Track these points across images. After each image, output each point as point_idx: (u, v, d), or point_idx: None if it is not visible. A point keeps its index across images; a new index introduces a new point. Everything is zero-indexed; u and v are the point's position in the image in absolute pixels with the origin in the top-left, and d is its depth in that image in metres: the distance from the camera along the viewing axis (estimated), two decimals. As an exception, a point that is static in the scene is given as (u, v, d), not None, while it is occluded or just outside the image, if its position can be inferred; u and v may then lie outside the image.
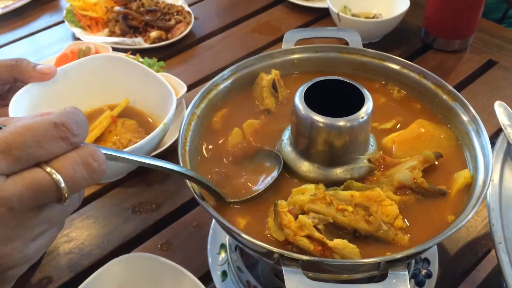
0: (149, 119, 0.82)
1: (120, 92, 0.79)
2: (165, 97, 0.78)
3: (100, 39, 1.51)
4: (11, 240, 0.44)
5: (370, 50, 0.90)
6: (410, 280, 0.87)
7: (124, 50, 1.42)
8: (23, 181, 0.43)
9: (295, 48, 0.93)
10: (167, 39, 1.53)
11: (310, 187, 0.71)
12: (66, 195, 0.45)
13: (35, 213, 0.45)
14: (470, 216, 0.64)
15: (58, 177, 0.44)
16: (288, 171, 0.77)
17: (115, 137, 0.83)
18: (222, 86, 0.87)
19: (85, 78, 0.82)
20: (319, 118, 0.70)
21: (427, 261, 0.89)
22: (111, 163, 0.51)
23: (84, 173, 0.46)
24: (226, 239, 0.95)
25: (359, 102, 0.72)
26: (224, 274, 0.90)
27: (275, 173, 0.74)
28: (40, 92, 0.76)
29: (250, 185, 0.75)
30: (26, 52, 1.58)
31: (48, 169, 0.44)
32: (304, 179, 0.75)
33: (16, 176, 0.43)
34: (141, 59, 1.34)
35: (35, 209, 0.45)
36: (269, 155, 0.79)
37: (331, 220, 0.66)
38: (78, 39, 1.53)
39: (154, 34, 1.51)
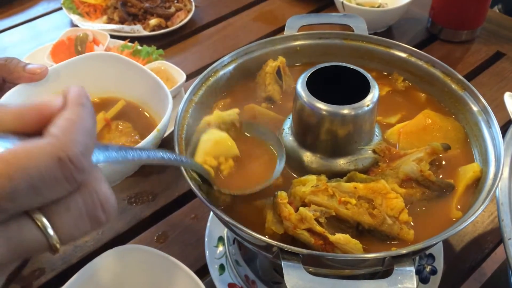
0: (146, 114, 0.80)
1: (114, 91, 0.77)
2: (159, 94, 0.75)
3: (98, 26, 1.47)
4: None
5: (376, 37, 0.87)
6: (414, 276, 0.84)
7: (123, 38, 1.39)
8: (7, 241, 0.33)
9: (298, 35, 0.89)
10: (166, 27, 1.49)
11: (312, 178, 0.67)
12: (58, 248, 0.36)
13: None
14: (479, 211, 0.61)
15: (51, 232, 0.34)
16: (289, 161, 0.73)
17: (107, 142, 0.80)
18: (221, 72, 0.84)
19: (78, 77, 0.80)
20: (322, 106, 0.67)
21: (432, 257, 0.87)
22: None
23: (88, 226, 0.36)
24: (224, 231, 0.92)
25: (364, 91, 0.69)
26: (221, 267, 0.88)
27: (274, 174, 0.68)
28: (31, 93, 0.73)
29: (249, 177, 0.70)
30: (24, 39, 1.55)
31: (40, 223, 0.34)
32: (306, 170, 0.72)
33: None
34: (139, 47, 1.30)
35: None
36: (271, 139, 0.73)
37: (333, 213, 0.63)
38: (76, 26, 1.49)
39: (153, 21, 1.48)
